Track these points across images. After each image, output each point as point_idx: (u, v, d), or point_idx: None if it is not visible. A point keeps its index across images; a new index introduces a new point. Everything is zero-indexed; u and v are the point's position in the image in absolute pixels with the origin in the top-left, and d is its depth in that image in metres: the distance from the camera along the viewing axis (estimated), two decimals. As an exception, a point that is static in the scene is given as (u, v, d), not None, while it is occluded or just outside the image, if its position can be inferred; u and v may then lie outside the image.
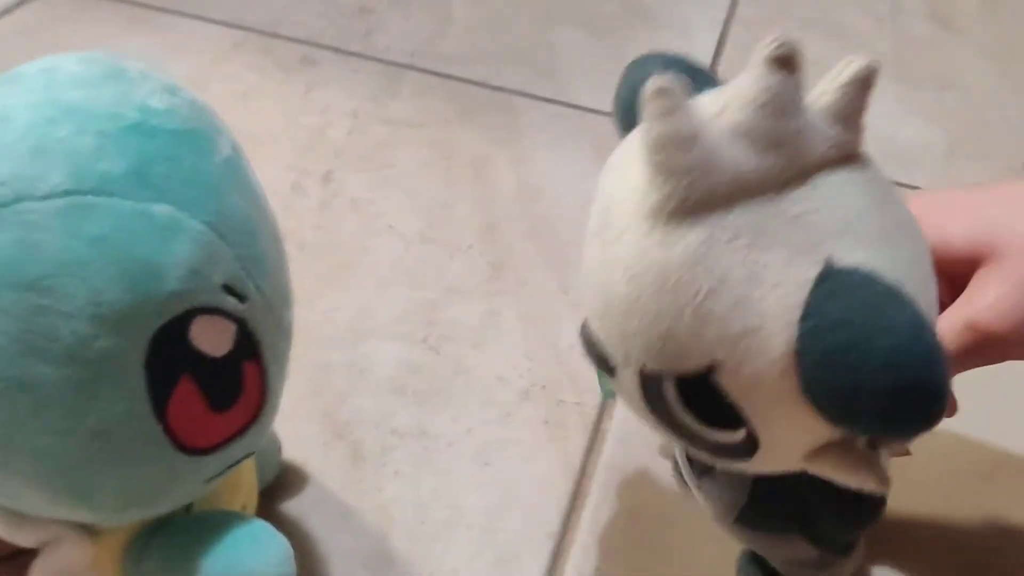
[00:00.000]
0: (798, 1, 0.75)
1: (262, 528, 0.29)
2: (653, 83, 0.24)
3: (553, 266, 0.57)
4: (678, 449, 0.39)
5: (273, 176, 0.62)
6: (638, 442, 0.49)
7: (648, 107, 0.24)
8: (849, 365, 0.23)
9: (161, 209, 0.24)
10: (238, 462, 0.29)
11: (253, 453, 0.30)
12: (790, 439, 0.27)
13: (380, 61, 0.70)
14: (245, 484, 0.34)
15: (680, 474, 0.47)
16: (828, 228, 0.25)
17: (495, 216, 0.60)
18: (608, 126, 0.65)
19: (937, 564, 0.42)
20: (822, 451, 0.27)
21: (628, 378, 0.29)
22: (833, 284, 0.24)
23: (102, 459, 0.25)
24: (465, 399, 0.51)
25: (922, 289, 0.26)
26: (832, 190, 0.26)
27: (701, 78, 0.29)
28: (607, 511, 0.47)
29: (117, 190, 0.23)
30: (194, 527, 0.29)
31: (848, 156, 0.27)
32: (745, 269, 0.25)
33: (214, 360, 0.25)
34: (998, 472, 0.46)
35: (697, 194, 0.25)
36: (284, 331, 0.29)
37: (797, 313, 0.24)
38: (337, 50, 0.70)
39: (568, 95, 0.67)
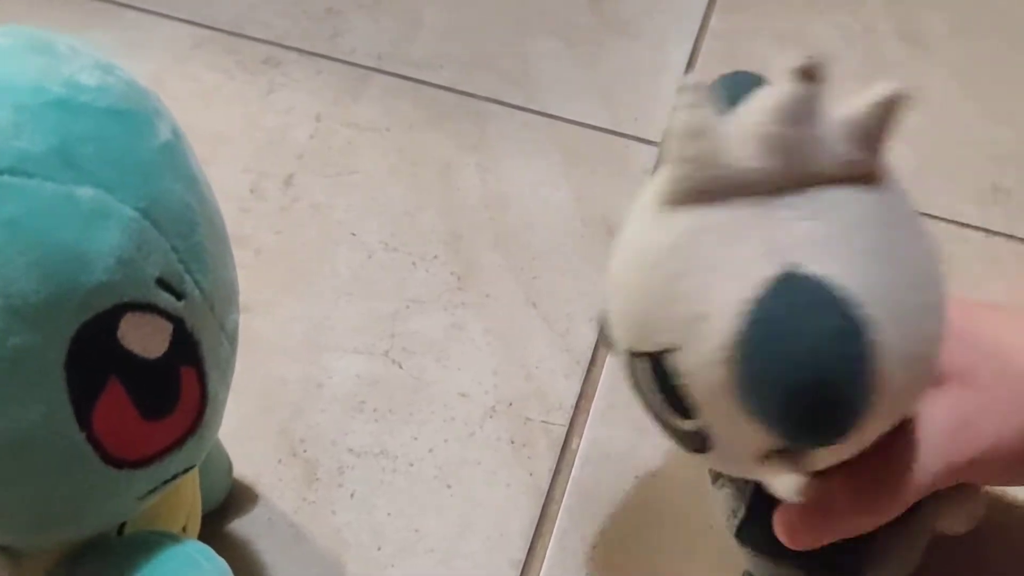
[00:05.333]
0: (771, 15, 0.74)
1: (200, 551, 0.26)
2: (686, 80, 0.26)
3: (521, 278, 0.55)
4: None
5: (231, 178, 0.59)
6: (608, 463, 0.47)
7: (676, 100, 0.26)
8: (768, 357, 0.24)
9: (86, 192, 0.21)
10: (175, 477, 0.26)
11: (192, 468, 0.27)
12: (735, 437, 0.28)
13: (346, 63, 0.67)
14: (187, 502, 0.32)
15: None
16: (807, 237, 0.25)
17: (461, 225, 0.57)
18: (579, 135, 0.64)
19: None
20: (768, 457, 0.28)
21: (620, 356, 0.31)
22: (783, 286, 0.25)
23: (16, 472, 0.22)
24: (427, 416, 0.49)
25: (899, 316, 0.26)
26: (828, 203, 0.26)
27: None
28: (574, 537, 0.45)
29: (36, 170, 0.20)
30: (125, 550, 0.26)
31: (862, 175, 0.27)
32: (712, 259, 0.26)
33: (147, 362, 0.23)
34: None
35: (693, 183, 0.26)
36: (228, 335, 0.26)
37: (743, 306, 0.25)
38: (302, 51, 0.68)
39: (539, 103, 0.65)
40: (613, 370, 0.51)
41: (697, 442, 0.29)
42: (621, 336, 0.30)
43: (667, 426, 0.30)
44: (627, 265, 0.28)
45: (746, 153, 0.26)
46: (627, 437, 0.48)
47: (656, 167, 0.28)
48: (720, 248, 0.26)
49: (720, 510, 0.37)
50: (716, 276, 0.26)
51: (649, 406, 0.30)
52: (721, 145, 0.26)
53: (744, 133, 0.26)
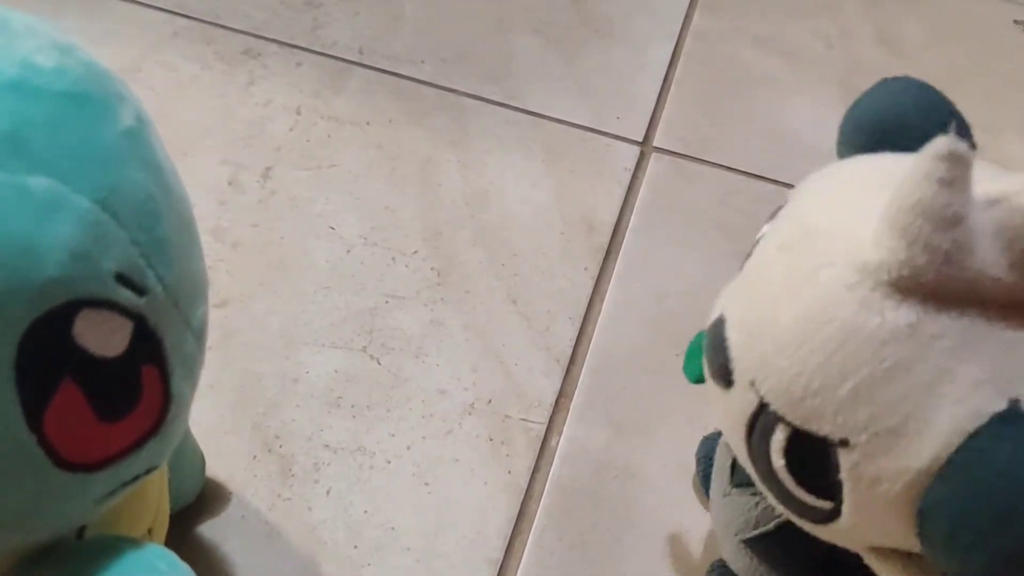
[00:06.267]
0: (752, 18, 0.74)
1: (161, 557, 0.25)
2: (946, 143, 0.21)
3: (500, 275, 0.54)
4: (728, 455, 0.37)
5: (209, 170, 0.58)
6: (587, 462, 0.47)
7: (929, 166, 0.22)
8: (987, 514, 0.22)
9: (38, 182, 0.20)
10: (136, 479, 0.25)
11: (155, 469, 0.26)
12: (871, 532, 0.26)
13: (326, 56, 0.66)
14: (152, 503, 0.31)
15: (703, 474, 0.44)
16: None
17: (441, 221, 0.57)
18: (561, 133, 0.63)
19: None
20: (893, 555, 0.26)
21: (743, 401, 0.27)
22: (1011, 427, 0.22)
23: (-39, 477, 0.21)
24: (405, 413, 0.48)
25: None
26: None
27: (957, 119, 0.28)
28: (553, 536, 0.44)
29: None
30: (83, 556, 0.25)
31: None
32: (933, 371, 0.23)
33: (104, 361, 0.22)
34: None
35: (929, 277, 0.22)
36: (194, 331, 0.25)
37: (959, 438, 0.22)
38: (281, 43, 0.67)
39: (520, 100, 0.65)
40: (592, 369, 0.51)
41: (815, 517, 0.27)
42: (767, 395, 0.26)
43: (777, 489, 0.27)
44: (814, 335, 0.24)
45: (993, 259, 0.22)
46: (606, 436, 0.48)
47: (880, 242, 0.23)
48: (948, 360, 0.23)
49: (734, 512, 0.35)
50: (932, 391, 0.23)
51: (757, 463, 0.28)
52: (970, 242, 0.22)
53: (997, 231, 0.22)
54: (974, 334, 0.23)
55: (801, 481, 0.26)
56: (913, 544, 0.25)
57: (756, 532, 0.34)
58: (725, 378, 0.28)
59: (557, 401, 0.49)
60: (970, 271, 0.22)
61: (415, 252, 0.55)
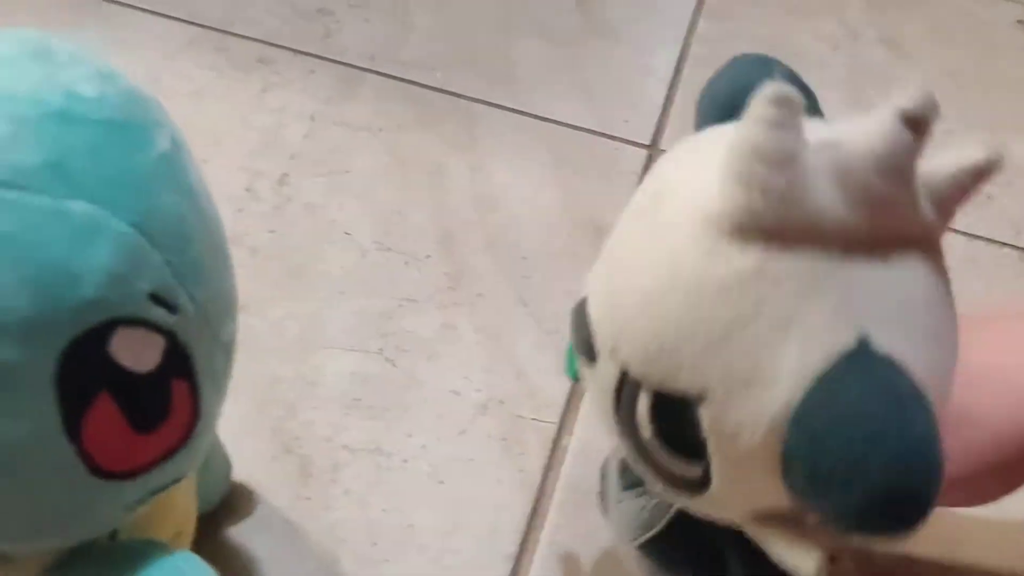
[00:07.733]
0: (757, 21, 0.75)
1: (187, 561, 0.26)
2: (776, 88, 0.21)
3: (511, 278, 0.55)
4: (616, 460, 0.37)
5: (225, 178, 0.59)
6: (598, 460, 0.48)
7: (759, 111, 0.22)
8: (846, 449, 0.21)
9: (79, 207, 0.21)
10: (164, 487, 0.26)
11: (182, 479, 0.27)
12: (744, 493, 0.26)
13: (338, 63, 0.68)
14: (179, 508, 0.32)
15: (603, 488, 0.44)
16: (879, 307, 0.23)
17: (452, 225, 0.58)
18: (568, 137, 0.64)
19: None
20: (769, 517, 0.26)
21: (607, 372, 0.27)
22: (860, 364, 0.22)
23: (4, 483, 0.22)
24: (420, 414, 0.49)
25: (940, 403, 0.24)
26: (899, 271, 0.23)
27: (808, 98, 0.27)
28: (566, 533, 0.45)
29: (29, 184, 0.21)
30: (112, 559, 0.26)
31: (929, 242, 0.24)
32: (781, 314, 0.23)
33: (138, 376, 0.23)
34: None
35: (768, 220, 0.22)
36: (223, 346, 0.26)
37: (812, 377, 0.22)
38: (294, 51, 0.68)
39: (527, 104, 0.66)
40: (603, 368, 0.52)
41: (691, 487, 0.26)
42: (627, 359, 0.25)
43: (652, 462, 0.27)
44: (665, 289, 0.24)
45: (830, 198, 0.22)
46: (617, 434, 0.49)
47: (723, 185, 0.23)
48: (795, 302, 0.23)
49: (628, 518, 0.35)
50: (782, 334, 0.23)
51: (631, 436, 0.27)
52: (806, 182, 0.22)
53: (831, 172, 0.22)
54: (819, 274, 0.23)
55: (671, 448, 0.26)
56: (786, 498, 0.24)
57: (649, 535, 0.34)
58: (589, 353, 0.28)
59: (568, 401, 0.50)
60: (809, 211, 0.22)
61: (428, 256, 0.56)
